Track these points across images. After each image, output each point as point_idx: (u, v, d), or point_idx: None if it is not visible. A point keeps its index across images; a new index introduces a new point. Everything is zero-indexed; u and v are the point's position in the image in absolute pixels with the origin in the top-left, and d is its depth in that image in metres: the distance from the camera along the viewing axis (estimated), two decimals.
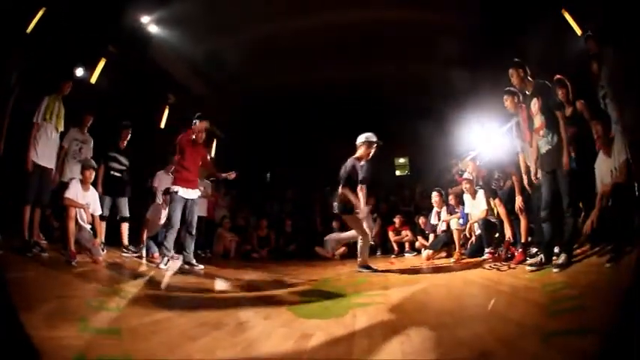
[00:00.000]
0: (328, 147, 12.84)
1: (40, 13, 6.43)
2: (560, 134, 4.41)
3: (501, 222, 6.07)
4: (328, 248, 8.02)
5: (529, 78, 4.73)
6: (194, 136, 6.08)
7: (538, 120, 4.59)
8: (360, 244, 5.92)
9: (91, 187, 5.71)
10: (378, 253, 9.14)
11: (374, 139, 5.99)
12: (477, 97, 8.57)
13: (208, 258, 7.97)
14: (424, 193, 10.06)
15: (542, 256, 4.45)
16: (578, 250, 4.50)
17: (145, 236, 7.12)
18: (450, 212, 7.46)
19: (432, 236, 7.94)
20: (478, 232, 6.63)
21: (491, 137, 6.77)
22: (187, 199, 6.03)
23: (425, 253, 7.39)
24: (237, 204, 11.23)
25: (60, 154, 5.94)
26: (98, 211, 5.81)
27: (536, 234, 5.27)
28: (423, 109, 10.83)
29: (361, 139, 6.04)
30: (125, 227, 6.91)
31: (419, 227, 8.68)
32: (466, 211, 6.96)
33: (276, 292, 4.49)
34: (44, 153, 5.46)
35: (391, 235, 8.94)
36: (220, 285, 5.03)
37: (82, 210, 5.50)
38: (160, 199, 7.53)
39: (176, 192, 5.93)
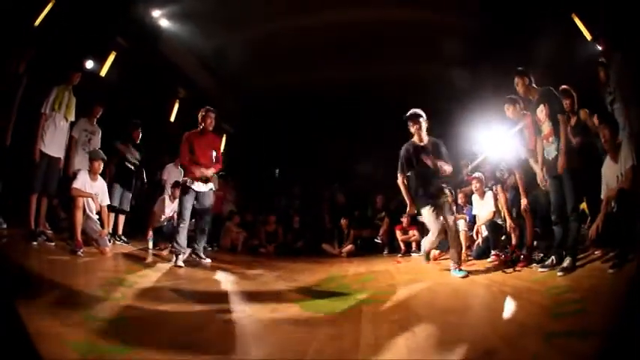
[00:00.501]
0: (331, 146, 12.91)
1: (50, 6, 6.47)
2: (569, 142, 4.40)
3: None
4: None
5: (534, 85, 4.71)
6: (202, 125, 5.94)
7: (546, 127, 4.55)
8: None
9: (100, 178, 5.72)
10: (385, 253, 9.10)
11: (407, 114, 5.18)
12: (481, 98, 8.51)
13: (215, 252, 7.94)
14: None
15: (553, 257, 4.43)
16: (583, 255, 4.49)
17: (150, 229, 7.16)
18: (458, 212, 7.41)
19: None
20: (485, 233, 6.57)
21: (498, 139, 6.68)
22: (198, 191, 5.81)
23: (431, 253, 7.35)
24: (243, 198, 11.23)
25: (70, 145, 5.97)
26: (106, 202, 5.82)
27: (542, 238, 5.23)
28: (428, 110, 10.75)
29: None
30: (122, 219, 7.02)
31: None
32: (474, 212, 6.91)
33: (283, 287, 4.49)
34: (52, 142, 5.50)
35: (399, 234, 8.89)
36: (227, 278, 5.01)
37: (89, 200, 5.50)
38: (168, 192, 7.53)
39: (189, 185, 5.72)
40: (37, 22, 6.42)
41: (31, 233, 5.16)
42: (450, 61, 9.41)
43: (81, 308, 2.70)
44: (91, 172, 5.58)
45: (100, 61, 8.18)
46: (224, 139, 10.90)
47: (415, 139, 5.12)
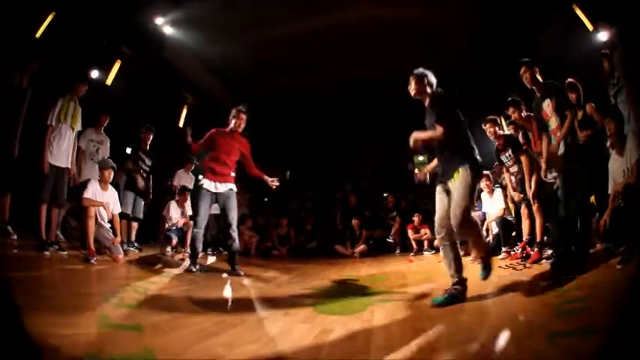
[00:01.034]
0: (341, 147, 12.90)
1: (50, 18, 6.52)
2: (574, 135, 4.40)
3: (518, 221, 5.97)
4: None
5: (539, 78, 4.67)
6: (232, 124, 5.58)
7: (554, 122, 4.51)
8: None
9: (110, 187, 5.77)
10: (397, 252, 9.09)
11: None
12: (484, 98, 8.46)
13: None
14: None
15: (561, 253, 4.41)
16: (591, 251, 4.49)
17: (161, 233, 7.28)
18: None
19: None
20: (495, 230, 6.54)
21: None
22: (215, 193, 5.40)
23: None
24: (254, 201, 11.28)
25: (78, 155, 6.01)
26: (117, 210, 5.85)
27: (552, 233, 5.18)
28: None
29: None
30: (135, 226, 7.06)
31: None
32: (483, 209, 6.89)
33: (297, 289, 4.51)
34: (59, 153, 5.54)
35: (410, 233, 8.91)
36: (240, 282, 5.02)
37: (101, 208, 5.55)
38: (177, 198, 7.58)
39: (201, 184, 5.41)
40: (38, 34, 6.51)
41: (43, 243, 5.19)
42: (452, 59, 9.34)
43: (95, 315, 2.72)
44: (101, 181, 5.64)
45: (105, 70, 8.27)
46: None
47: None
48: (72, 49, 7.13)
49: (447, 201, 3.47)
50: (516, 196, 5.81)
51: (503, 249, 6.13)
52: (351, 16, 8.28)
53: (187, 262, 5.47)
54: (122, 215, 6.19)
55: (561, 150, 4.41)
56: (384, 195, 10.63)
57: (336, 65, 9.90)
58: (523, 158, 5.49)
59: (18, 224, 5.55)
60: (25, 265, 4.27)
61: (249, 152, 5.77)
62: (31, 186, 5.35)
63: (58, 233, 5.89)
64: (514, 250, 5.93)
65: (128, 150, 7.27)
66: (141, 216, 7.08)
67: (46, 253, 5.09)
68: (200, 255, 5.78)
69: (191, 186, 8.00)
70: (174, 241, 7.23)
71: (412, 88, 3.82)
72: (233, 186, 5.55)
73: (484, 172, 6.71)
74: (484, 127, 5.87)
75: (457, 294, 3.26)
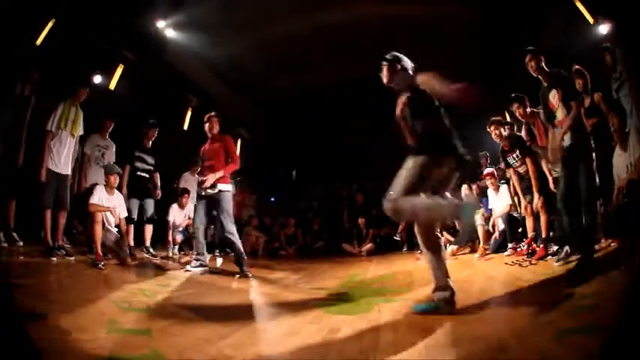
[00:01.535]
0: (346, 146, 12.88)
1: (50, 24, 6.54)
2: (581, 126, 4.31)
3: (524, 217, 5.96)
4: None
5: (545, 66, 4.49)
6: (206, 130, 5.81)
7: (560, 113, 4.34)
8: None
9: (116, 191, 5.79)
10: (405, 249, 9.07)
11: None
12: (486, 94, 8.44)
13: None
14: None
15: (567, 248, 4.35)
16: (597, 247, 4.43)
17: (170, 237, 7.34)
18: None
19: None
20: (502, 227, 6.53)
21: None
22: (205, 196, 5.56)
23: (450, 248, 7.30)
24: (261, 201, 11.33)
25: (83, 161, 6.03)
26: (124, 214, 5.88)
27: (557, 229, 5.17)
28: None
29: None
30: (149, 229, 6.93)
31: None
32: (490, 206, 6.88)
33: (304, 290, 4.55)
34: (60, 160, 5.45)
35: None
36: (248, 283, 5.03)
37: (108, 213, 5.58)
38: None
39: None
40: (39, 41, 6.53)
41: (49, 248, 5.18)
42: (454, 57, 9.31)
43: (105, 320, 2.73)
44: (107, 186, 5.66)
45: (108, 75, 8.29)
46: (239, 142, 10.99)
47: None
48: (73, 54, 7.13)
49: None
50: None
51: (510, 245, 6.12)
52: (352, 14, 8.27)
53: (194, 263, 5.49)
54: (130, 219, 6.25)
55: (567, 142, 4.36)
56: None
57: (337, 64, 9.88)
58: (528, 160, 5.47)
59: (22, 231, 5.61)
60: (33, 271, 4.28)
61: (231, 147, 5.81)
62: (35, 193, 5.31)
63: (64, 238, 5.90)
64: (520, 247, 5.92)
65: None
66: (153, 215, 6.91)
67: (54, 258, 5.05)
68: (208, 257, 5.90)
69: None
70: (179, 238, 7.32)
71: (384, 76, 3.48)
72: (223, 186, 5.55)
73: (489, 170, 6.74)
74: (488, 129, 5.81)
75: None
